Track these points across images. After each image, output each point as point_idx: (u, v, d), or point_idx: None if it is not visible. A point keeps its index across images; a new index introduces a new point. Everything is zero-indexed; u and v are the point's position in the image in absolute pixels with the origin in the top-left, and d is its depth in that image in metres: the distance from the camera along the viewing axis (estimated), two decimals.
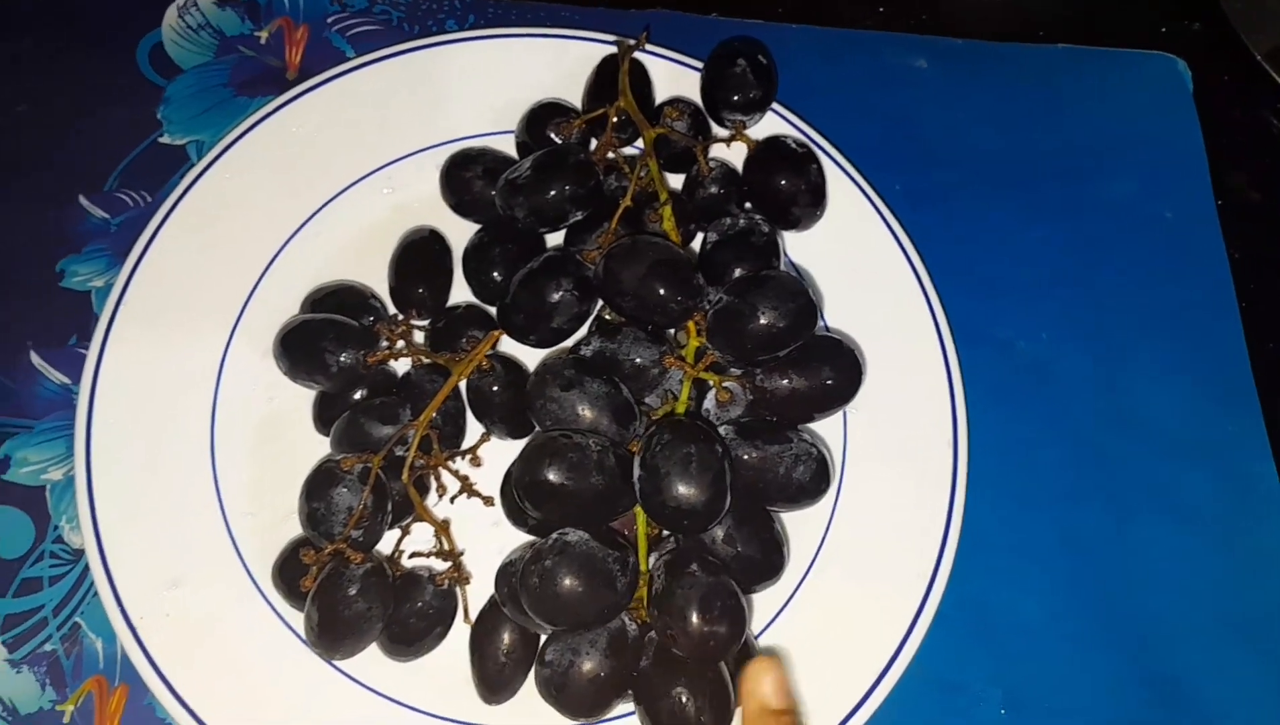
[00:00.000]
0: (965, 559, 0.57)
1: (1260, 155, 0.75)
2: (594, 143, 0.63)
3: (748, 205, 0.61)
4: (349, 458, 0.52)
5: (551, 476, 0.48)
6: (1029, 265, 0.69)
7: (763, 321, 0.51)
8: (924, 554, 0.57)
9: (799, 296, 0.51)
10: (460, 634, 0.54)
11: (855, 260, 0.63)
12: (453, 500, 0.57)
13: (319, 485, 0.52)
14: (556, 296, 0.55)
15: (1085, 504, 0.63)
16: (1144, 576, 0.61)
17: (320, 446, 0.57)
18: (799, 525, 0.57)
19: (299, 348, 0.55)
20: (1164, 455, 0.64)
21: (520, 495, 0.50)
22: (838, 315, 0.62)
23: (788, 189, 0.59)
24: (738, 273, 0.55)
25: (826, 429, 0.59)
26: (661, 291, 0.52)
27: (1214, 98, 0.76)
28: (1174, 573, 0.61)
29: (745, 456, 0.52)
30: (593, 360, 0.54)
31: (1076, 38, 0.77)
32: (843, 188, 0.64)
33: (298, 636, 0.54)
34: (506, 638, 0.52)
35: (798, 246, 0.63)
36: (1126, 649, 0.60)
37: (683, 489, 0.47)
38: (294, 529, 0.54)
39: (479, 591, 0.55)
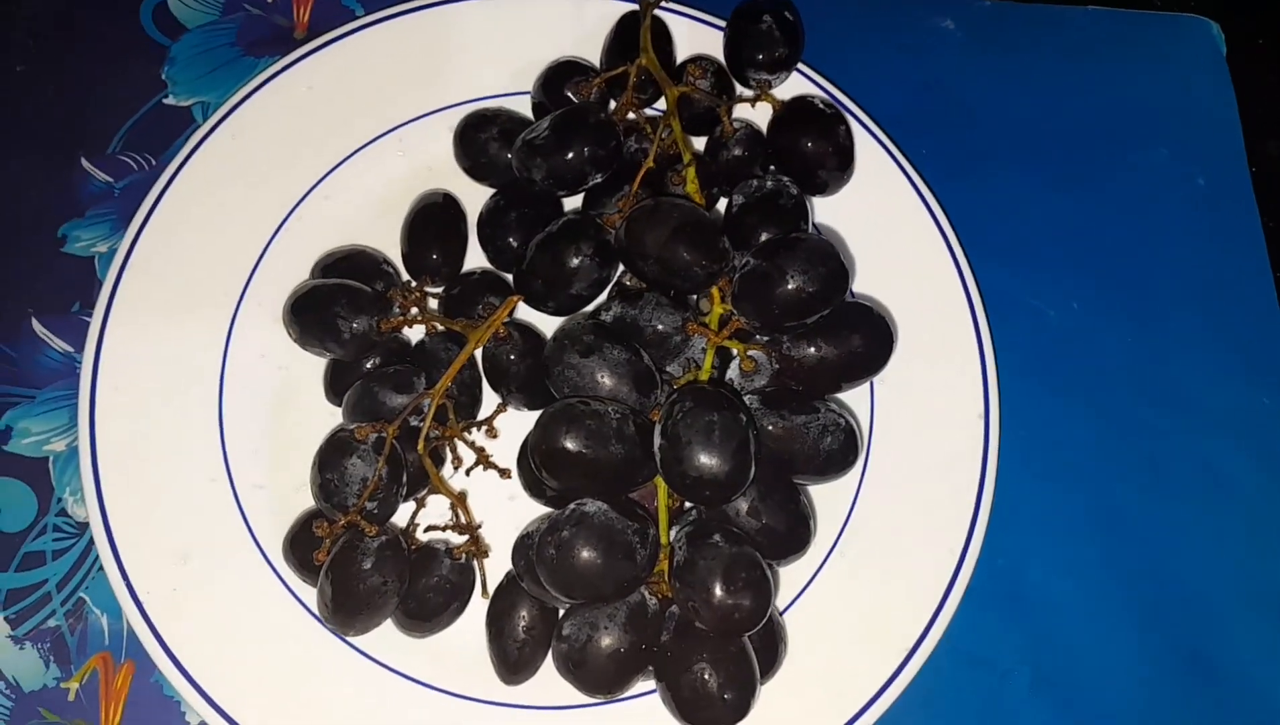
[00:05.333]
0: (995, 533, 0.55)
1: None
2: (613, 103, 0.61)
3: (772, 168, 0.59)
4: (363, 427, 0.50)
5: (569, 444, 0.47)
6: (1057, 233, 0.67)
7: (791, 286, 0.49)
8: (954, 529, 0.55)
9: (830, 260, 0.49)
10: (477, 609, 0.53)
11: (883, 226, 0.62)
12: (468, 473, 0.56)
13: (332, 456, 0.50)
14: (576, 261, 0.53)
15: (1118, 477, 0.61)
16: (1177, 552, 0.60)
17: (332, 416, 0.55)
18: (825, 497, 0.55)
19: (310, 314, 0.53)
20: (1196, 428, 0.63)
21: (537, 464, 0.48)
22: (865, 283, 0.60)
23: (815, 151, 0.57)
24: (764, 237, 0.53)
25: (853, 399, 0.57)
26: (686, 255, 0.50)
27: (1248, 62, 0.73)
28: (1208, 548, 0.60)
29: (770, 427, 0.50)
30: (613, 326, 0.52)
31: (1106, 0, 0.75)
32: (870, 151, 0.62)
33: (310, 612, 0.53)
34: (525, 615, 0.50)
35: (823, 211, 0.61)
36: (1159, 626, 0.58)
37: (705, 458, 0.46)
38: (306, 501, 0.53)
39: (495, 568, 0.54)
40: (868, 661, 0.53)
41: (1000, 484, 0.56)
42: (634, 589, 0.47)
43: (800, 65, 0.63)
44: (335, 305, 0.53)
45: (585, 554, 0.45)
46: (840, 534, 0.56)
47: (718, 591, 0.45)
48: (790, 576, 0.54)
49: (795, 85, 0.63)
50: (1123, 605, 0.59)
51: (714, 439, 0.46)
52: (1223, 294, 0.66)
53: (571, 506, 0.47)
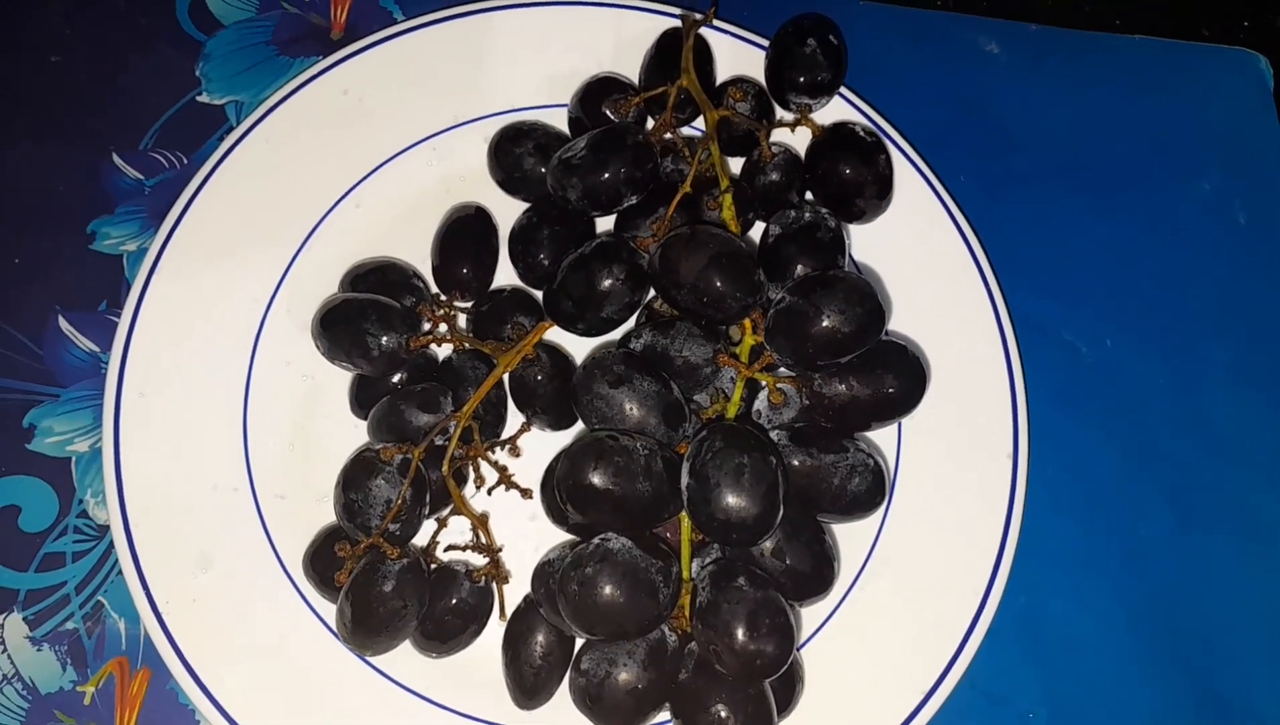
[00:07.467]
0: (1019, 569, 0.55)
1: None
2: (649, 120, 0.60)
3: (808, 194, 0.58)
4: (388, 448, 0.50)
5: (597, 480, 0.46)
6: (1093, 262, 0.67)
7: (827, 325, 0.48)
8: (978, 568, 0.54)
9: (868, 300, 0.48)
10: (494, 630, 0.53)
11: (916, 254, 0.61)
12: (490, 492, 0.55)
13: (357, 476, 0.50)
14: (607, 284, 0.52)
15: (1147, 516, 0.61)
16: (1207, 595, 0.59)
17: (356, 427, 0.55)
18: (847, 532, 0.54)
19: (340, 328, 0.53)
20: (1232, 468, 0.62)
21: (563, 497, 0.48)
22: (895, 312, 0.59)
23: (854, 179, 0.56)
24: (800, 269, 0.52)
25: (879, 433, 0.56)
26: (720, 286, 0.49)
27: None
28: (1239, 592, 0.60)
29: (797, 463, 0.50)
30: (643, 355, 0.52)
31: (1154, 29, 0.73)
32: (907, 176, 0.61)
33: (328, 628, 0.52)
34: (542, 640, 0.50)
35: (855, 238, 0.60)
36: (1183, 670, 0.58)
37: (733, 501, 0.45)
38: (327, 513, 0.52)
39: (514, 586, 0.53)
40: (886, 700, 0.52)
41: (1026, 519, 0.56)
42: (655, 627, 0.47)
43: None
44: (365, 321, 0.53)
45: (609, 591, 0.45)
46: (861, 570, 0.55)
47: (740, 636, 0.44)
48: (810, 611, 0.54)
49: (833, 106, 0.62)
50: (1146, 647, 0.58)
51: (743, 482, 0.45)
52: (1257, 332, 0.66)
53: (596, 542, 0.46)
